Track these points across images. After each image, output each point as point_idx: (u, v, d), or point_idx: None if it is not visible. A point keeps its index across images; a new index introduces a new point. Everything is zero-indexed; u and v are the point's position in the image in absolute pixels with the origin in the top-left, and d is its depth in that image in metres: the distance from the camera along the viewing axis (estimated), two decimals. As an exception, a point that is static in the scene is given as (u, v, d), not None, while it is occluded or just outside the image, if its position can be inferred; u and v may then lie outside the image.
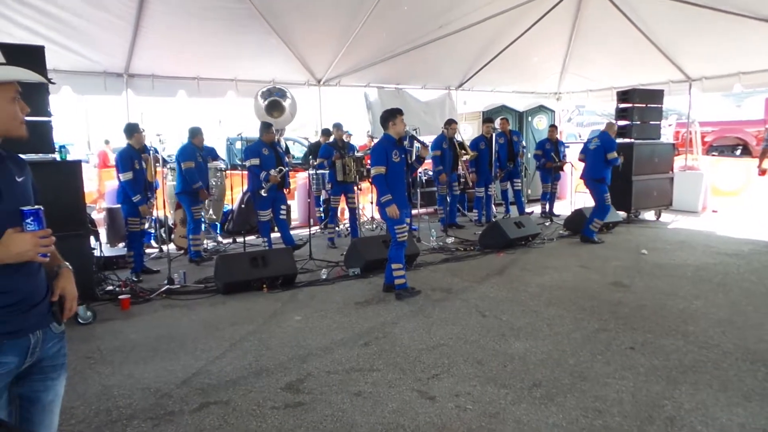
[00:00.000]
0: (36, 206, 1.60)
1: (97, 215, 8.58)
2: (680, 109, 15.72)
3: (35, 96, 4.33)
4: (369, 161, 8.22)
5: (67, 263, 1.85)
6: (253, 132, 8.46)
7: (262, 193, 6.56)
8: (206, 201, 7.19)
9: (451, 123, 8.58)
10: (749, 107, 15.27)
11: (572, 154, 10.50)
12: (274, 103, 8.09)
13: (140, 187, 6.03)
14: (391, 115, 5.07)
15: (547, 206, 9.86)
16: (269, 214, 6.87)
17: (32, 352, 1.65)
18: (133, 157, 5.98)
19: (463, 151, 8.58)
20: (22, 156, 1.79)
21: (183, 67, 8.12)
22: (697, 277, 5.60)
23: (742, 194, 9.95)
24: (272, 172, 6.56)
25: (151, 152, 6.23)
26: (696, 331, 4.07)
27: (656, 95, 9.33)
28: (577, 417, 2.87)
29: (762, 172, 7.57)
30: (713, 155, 13.64)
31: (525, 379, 3.34)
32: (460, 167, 8.89)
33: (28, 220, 1.56)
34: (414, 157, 6.30)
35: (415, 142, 6.21)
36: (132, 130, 6.18)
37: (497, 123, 9.55)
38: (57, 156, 4.69)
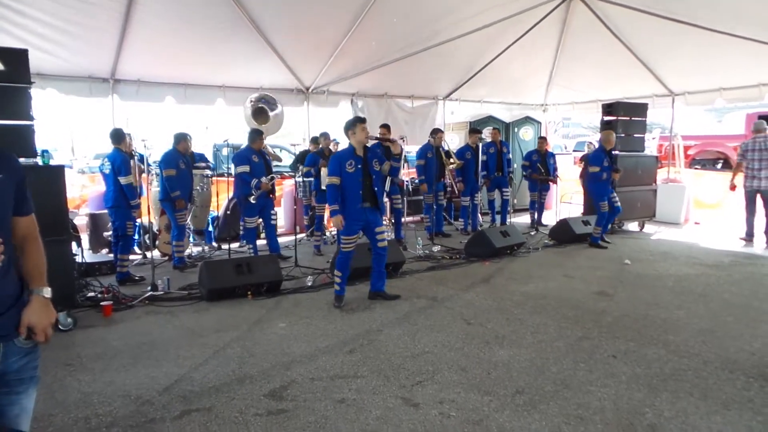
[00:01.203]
0: None
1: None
2: (663, 123, 16.01)
3: (17, 99, 4.29)
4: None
5: (45, 288, 1.73)
6: (240, 139, 8.47)
7: (251, 200, 6.52)
8: (191, 207, 7.16)
9: (437, 132, 8.63)
10: (730, 122, 15.60)
11: (557, 165, 10.59)
12: (259, 110, 8.09)
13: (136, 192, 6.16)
14: (351, 125, 5.08)
15: (536, 215, 9.93)
16: (256, 221, 6.83)
17: None
18: (130, 162, 6.02)
19: (450, 160, 8.63)
20: (11, 155, 1.69)
21: (170, 72, 8.08)
22: (679, 288, 5.68)
23: (723, 207, 10.12)
24: (263, 179, 6.53)
25: (136, 158, 6.21)
26: (677, 341, 4.12)
27: (640, 108, 9.49)
28: (559, 424, 2.88)
29: (732, 187, 8.25)
30: (696, 168, 13.86)
31: (508, 387, 3.35)
32: (446, 176, 8.93)
33: None
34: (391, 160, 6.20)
35: (388, 143, 6.13)
36: (121, 135, 6.17)
37: (485, 132, 9.62)
38: (39, 160, 4.64)
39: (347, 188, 5.02)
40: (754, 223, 8.10)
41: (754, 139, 8.07)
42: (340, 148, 9.97)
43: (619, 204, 8.01)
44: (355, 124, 5.06)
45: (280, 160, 9.48)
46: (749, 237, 8.15)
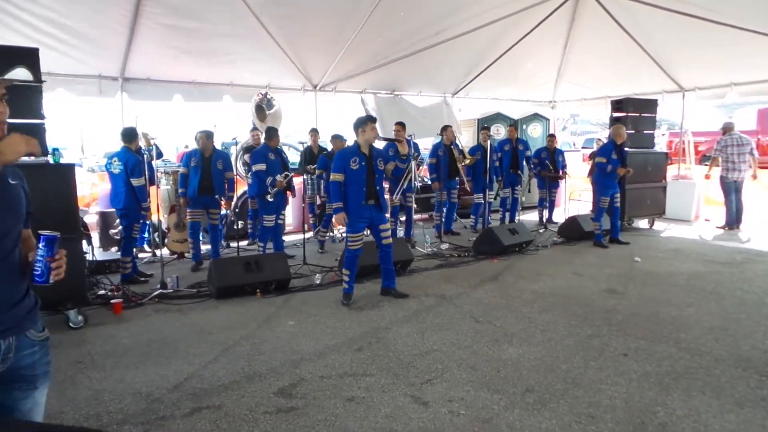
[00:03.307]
0: (55, 233, 1.60)
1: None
2: (673, 119, 15.87)
3: (28, 98, 4.32)
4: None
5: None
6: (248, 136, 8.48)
7: (269, 198, 6.50)
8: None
9: (446, 128, 8.60)
10: (741, 118, 15.40)
11: (567, 163, 10.54)
12: (258, 108, 8.15)
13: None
14: (362, 123, 5.07)
15: (545, 213, 9.87)
16: (274, 219, 6.79)
17: (3, 359, 1.57)
18: (143, 163, 6.04)
19: (461, 157, 8.59)
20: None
21: (178, 70, 8.10)
22: (690, 285, 5.63)
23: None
24: (278, 177, 6.50)
25: (145, 156, 6.22)
26: (688, 338, 4.09)
27: (650, 105, 9.42)
28: (569, 423, 2.87)
29: (707, 177, 9.27)
30: (706, 165, 13.72)
31: (518, 385, 3.34)
32: (459, 173, 8.90)
33: (40, 245, 1.59)
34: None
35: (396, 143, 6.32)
36: (133, 134, 6.17)
37: (501, 130, 9.54)
38: (50, 159, 4.67)
39: (351, 185, 5.02)
40: (734, 212, 8.89)
41: (731, 136, 8.86)
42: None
43: (618, 204, 7.89)
44: (366, 122, 5.06)
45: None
46: (731, 225, 8.87)
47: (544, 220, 9.79)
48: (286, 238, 7.55)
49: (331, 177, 5.07)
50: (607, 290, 5.50)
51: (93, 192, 10.01)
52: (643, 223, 9.50)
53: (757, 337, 4.11)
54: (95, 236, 7.53)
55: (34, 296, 1.70)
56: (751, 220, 9.24)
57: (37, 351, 1.68)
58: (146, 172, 6.05)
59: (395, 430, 2.83)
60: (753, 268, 6.32)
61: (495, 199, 9.29)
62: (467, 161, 8.61)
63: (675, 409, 2.99)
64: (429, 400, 3.15)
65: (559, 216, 9.84)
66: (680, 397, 3.14)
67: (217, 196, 6.73)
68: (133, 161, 5.98)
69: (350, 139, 11.38)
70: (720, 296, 5.21)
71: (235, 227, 7.73)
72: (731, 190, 8.86)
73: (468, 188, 9.03)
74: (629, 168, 7.82)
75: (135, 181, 5.95)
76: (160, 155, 6.90)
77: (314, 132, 8.56)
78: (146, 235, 7.64)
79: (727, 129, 9.08)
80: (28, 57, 4.35)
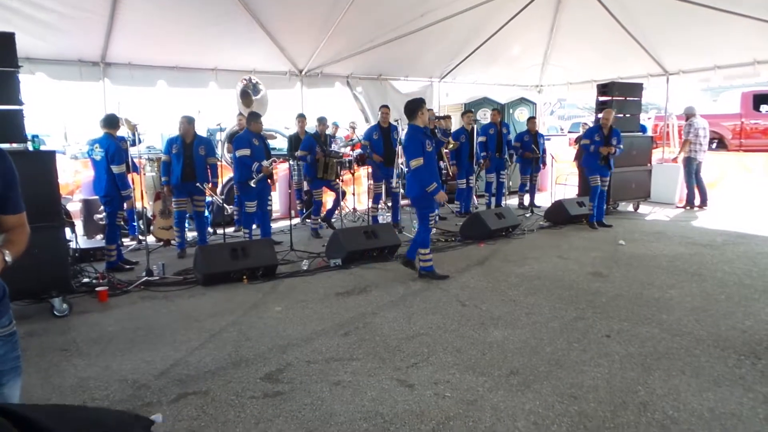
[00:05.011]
0: None
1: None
2: (659, 104, 15.94)
3: (5, 84, 4.23)
4: (353, 153, 8.25)
5: (9, 255, 1.60)
6: (233, 122, 8.41)
7: (252, 183, 6.45)
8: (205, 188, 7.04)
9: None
10: (725, 101, 15.51)
11: (553, 147, 10.57)
12: (244, 93, 8.06)
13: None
14: (418, 106, 5.14)
15: (526, 198, 9.94)
16: (255, 205, 6.75)
17: None
18: (124, 149, 5.95)
19: (445, 139, 8.57)
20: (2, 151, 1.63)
21: (162, 55, 7.98)
22: (673, 267, 5.71)
23: (717, 186, 10.15)
24: (264, 163, 6.44)
25: (128, 143, 6.14)
26: (670, 320, 4.16)
27: (635, 88, 9.45)
28: (553, 403, 2.91)
29: (675, 160, 9.91)
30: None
31: (503, 367, 3.38)
32: (442, 158, 8.88)
33: None
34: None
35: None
36: (114, 120, 6.06)
37: (485, 113, 9.54)
38: (29, 146, 4.58)
39: (430, 166, 5.11)
40: (694, 192, 9.47)
41: (698, 119, 9.35)
42: (339, 131, 9.97)
43: (605, 188, 8.00)
44: (422, 104, 5.18)
45: (274, 138, 9.43)
46: (693, 204, 9.47)
47: (526, 204, 9.85)
48: (273, 224, 7.51)
49: (414, 163, 5.07)
50: (592, 273, 5.56)
51: (76, 179, 9.86)
52: (628, 207, 9.59)
53: (736, 317, 4.19)
54: (79, 224, 7.44)
55: (1, 286, 1.61)
56: (730, 202, 9.42)
57: (2, 346, 1.59)
58: (128, 159, 5.98)
59: (381, 412, 2.86)
60: (734, 250, 6.43)
61: (476, 181, 9.30)
62: (450, 146, 8.59)
63: (655, 389, 3.05)
64: (415, 383, 3.18)
65: (545, 200, 9.90)
66: (661, 376, 3.20)
67: (198, 184, 6.62)
68: (113, 148, 5.89)
69: (341, 123, 11.34)
70: (701, 277, 5.30)
71: (224, 213, 7.63)
72: (694, 170, 9.36)
73: (451, 173, 9.01)
74: (611, 147, 7.81)
75: (115, 168, 5.87)
76: (139, 141, 6.79)
77: (302, 117, 8.47)
78: (134, 223, 7.56)
79: (690, 114, 9.48)
80: (3, 42, 4.25)
